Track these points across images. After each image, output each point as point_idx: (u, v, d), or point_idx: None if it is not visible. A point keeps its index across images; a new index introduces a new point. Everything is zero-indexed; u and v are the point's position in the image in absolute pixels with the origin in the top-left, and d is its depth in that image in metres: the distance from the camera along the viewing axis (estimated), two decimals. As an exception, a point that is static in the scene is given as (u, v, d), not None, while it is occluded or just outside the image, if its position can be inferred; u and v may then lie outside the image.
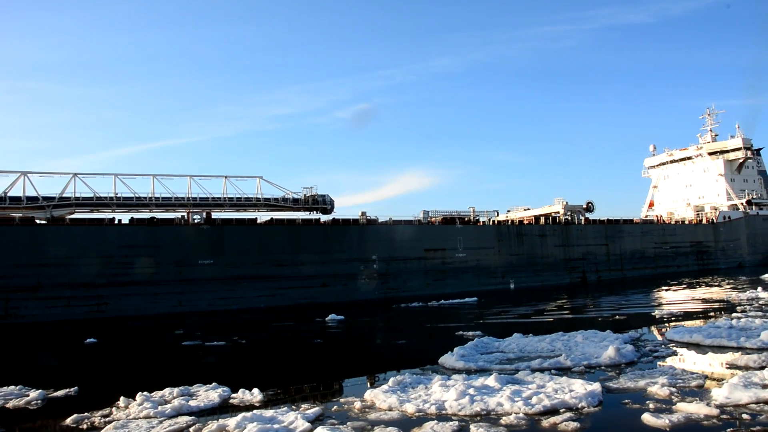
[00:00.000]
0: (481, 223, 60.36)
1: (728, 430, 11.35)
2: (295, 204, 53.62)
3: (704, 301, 38.61)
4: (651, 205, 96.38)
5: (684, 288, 49.45)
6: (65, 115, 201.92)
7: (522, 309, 39.43)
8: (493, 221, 61.86)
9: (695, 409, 12.53)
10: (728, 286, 48.64)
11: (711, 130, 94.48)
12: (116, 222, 45.10)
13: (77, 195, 45.62)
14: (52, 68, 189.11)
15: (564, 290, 54.55)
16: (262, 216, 52.44)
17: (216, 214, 49.98)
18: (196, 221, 46.74)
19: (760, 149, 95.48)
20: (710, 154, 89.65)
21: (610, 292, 50.13)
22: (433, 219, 57.69)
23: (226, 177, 51.31)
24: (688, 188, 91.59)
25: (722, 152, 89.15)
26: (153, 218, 45.40)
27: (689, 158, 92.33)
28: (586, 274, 65.42)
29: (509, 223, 64.48)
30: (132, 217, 46.22)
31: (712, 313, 31.10)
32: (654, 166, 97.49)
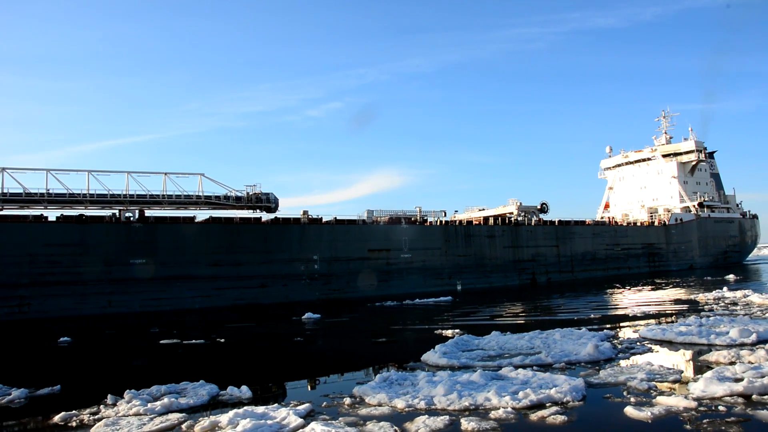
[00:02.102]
0: (428, 224, 61.29)
1: (705, 421, 12.41)
2: (238, 202, 53.66)
3: (667, 301, 40.43)
4: (606, 206, 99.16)
5: (639, 290, 51.27)
6: (24, 109, 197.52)
7: (489, 310, 40.58)
8: (441, 221, 62.84)
9: (675, 402, 13.61)
10: (681, 288, 50.84)
11: (665, 132, 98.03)
12: (43, 219, 44.45)
13: (5, 191, 44.82)
14: (11, 60, 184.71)
15: (514, 292, 56.00)
16: (205, 214, 52.37)
17: (155, 212, 49.81)
18: (128, 219, 46.42)
19: (714, 152, 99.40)
20: (664, 156, 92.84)
21: (563, 294, 51.57)
22: (378, 219, 58.36)
23: (165, 174, 51.06)
24: (643, 190, 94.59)
25: (675, 154, 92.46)
26: (81, 215, 45.04)
27: (644, 160, 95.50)
28: (535, 275, 67.09)
29: (457, 223, 65.55)
30: (60, 215, 45.66)
31: (677, 312, 33.00)
32: (610, 168, 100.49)
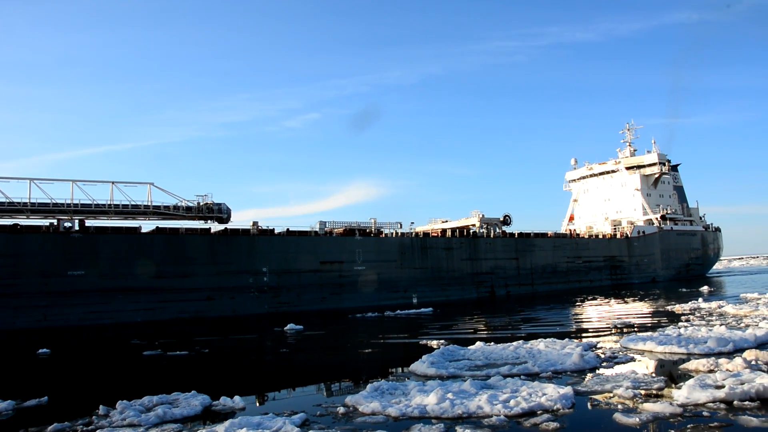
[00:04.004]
0: (383, 235, 61.45)
1: (690, 426, 13.28)
2: (188, 212, 53.35)
3: (643, 314, 41.39)
4: (571, 218, 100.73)
5: (607, 303, 52.24)
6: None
7: (467, 321, 41.69)
8: (397, 233, 63.03)
9: (660, 408, 14.51)
10: (650, 301, 51.94)
11: (630, 145, 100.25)
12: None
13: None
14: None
15: (472, 305, 56.82)
16: (154, 225, 51.88)
17: (98, 222, 49.07)
18: (68, 229, 45.71)
19: (677, 165, 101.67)
20: (628, 168, 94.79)
21: (531, 307, 52.31)
22: (331, 230, 58.39)
23: (113, 183, 50.68)
24: (607, 202, 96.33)
25: (639, 167, 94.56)
26: (16, 225, 44.31)
27: (608, 172, 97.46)
28: (494, 288, 67.76)
29: (413, 235, 65.79)
30: (-6, 224, 44.84)
31: (654, 324, 34.01)
32: (575, 180, 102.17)
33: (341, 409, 15.68)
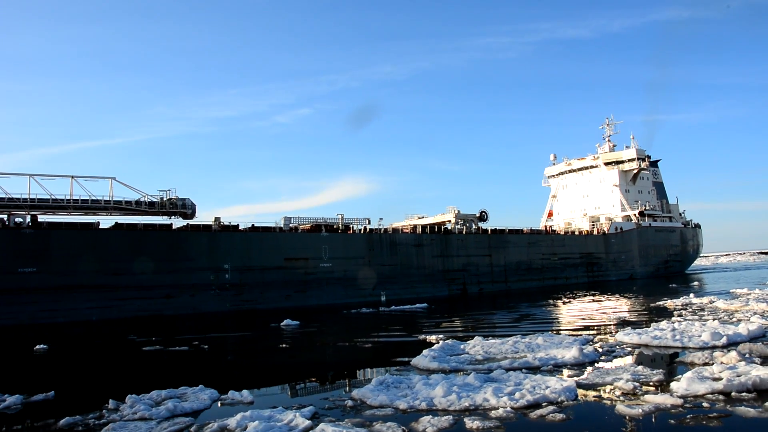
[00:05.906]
0: (351, 232, 60.98)
1: (691, 416, 14.12)
2: (151, 208, 52.69)
3: (632, 310, 42.08)
4: (550, 215, 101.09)
5: (584, 300, 52.50)
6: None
7: (460, 317, 42.36)
8: (365, 229, 62.56)
9: (662, 400, 15.45)
10: (629, 298, 52.54)
11: (609, 140, 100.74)
12: None
13: None
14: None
15: (444, 303, 57.13)
16: (114, 220, 51.09)
17: (52, 218, 48.26)
18: (18, 224, 44.83)
19: (657, 161, 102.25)
20: (606, 164, 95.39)
21: (502, 305, 52.55)
22: (297, 226, 57.85)
23: (72, 177, 49.85)
24: (586, 198, 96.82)
25: (617, 162, 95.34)
26: (-38, 221, 43.38)
27: (587, 168, 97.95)
28: (466, 285, 67.84)
29: (382, 231, 65.29)
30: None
31: (648, 319, 34.85)
32: (554, 176, 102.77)
33: (349, 402, 16.43)
